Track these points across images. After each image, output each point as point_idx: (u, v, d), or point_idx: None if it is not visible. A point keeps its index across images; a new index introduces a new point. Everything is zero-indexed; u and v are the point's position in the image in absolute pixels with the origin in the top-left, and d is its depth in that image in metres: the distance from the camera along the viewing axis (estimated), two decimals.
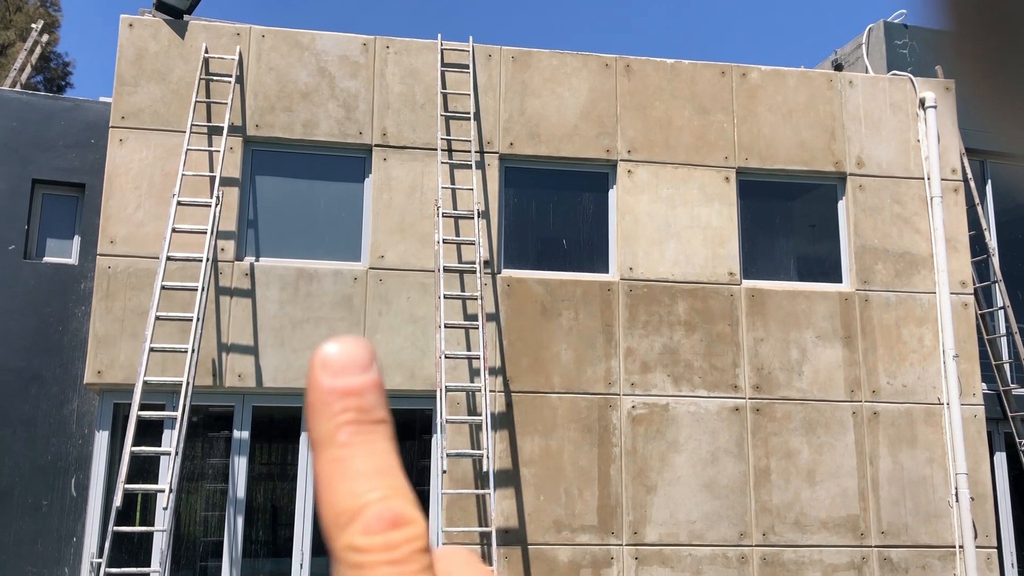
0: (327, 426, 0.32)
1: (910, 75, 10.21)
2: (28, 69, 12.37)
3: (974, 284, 9.85)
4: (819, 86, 9.96)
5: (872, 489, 9.11)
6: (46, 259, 9.24)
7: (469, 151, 9.22)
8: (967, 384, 9.44)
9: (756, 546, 8.83)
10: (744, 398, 9.12)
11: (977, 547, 9.09)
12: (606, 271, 9.33)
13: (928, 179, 9.84)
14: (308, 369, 0.33)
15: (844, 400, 9.26)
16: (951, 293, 9.58)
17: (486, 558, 8.35)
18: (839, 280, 9.69)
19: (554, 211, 9.51)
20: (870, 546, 8.98)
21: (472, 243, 8.90)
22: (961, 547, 9.06)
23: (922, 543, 9.06)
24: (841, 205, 9.87)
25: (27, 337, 8.92)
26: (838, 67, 11.30)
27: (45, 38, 13.21)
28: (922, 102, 10.03)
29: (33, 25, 13.31)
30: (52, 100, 9.69)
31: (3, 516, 8.60)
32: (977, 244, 10.28)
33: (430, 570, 0.31)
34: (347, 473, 0.31)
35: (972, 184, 10.33)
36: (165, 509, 7.43)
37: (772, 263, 9.70)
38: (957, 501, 9.13)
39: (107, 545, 7.17)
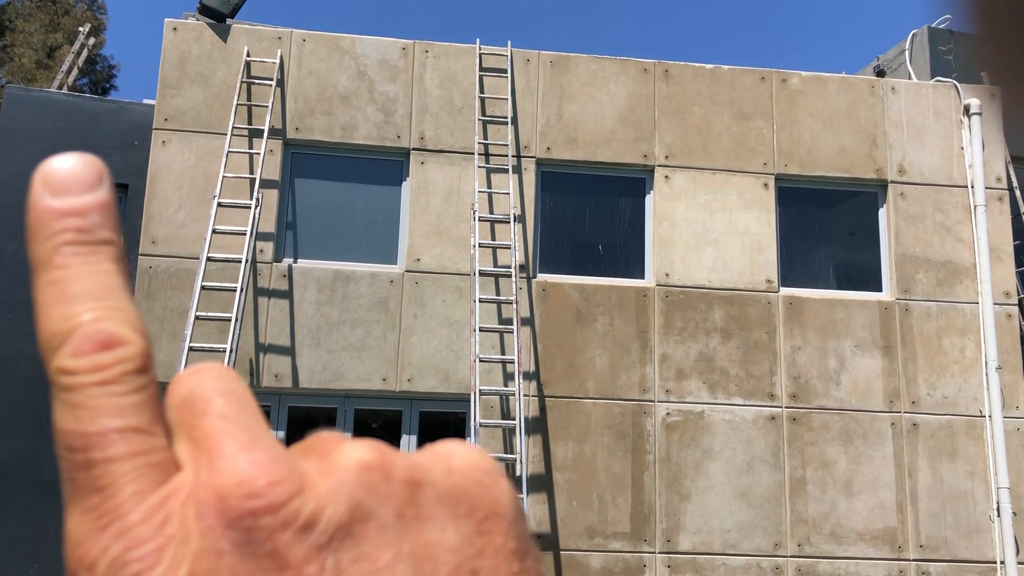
0: (44, 247, 0.31)
1: (954, 81, 10.05)
2: (75, 71, 12.61)
3: (1019, 294, 9.67)
4: (861, 92, 9.84)
5: (911, 502, 8.97)
6: None
7: (506, 155, 9.24)
8: (1010, 396, 9.27)
9: (791, 557, 8.73)
10: (780, 407, 9.03)
11: (1019, 563, 8.91)
12: (642, 277, 9.29)
13: (972, 187, 9.68)
14: (29, 190, 0.32)
15: (883, 411, 9.13)
16: (994, 303, 9.41)
17: None
18: (879, 289, 9.56)
19: (590, 216, 9.49)
20: (908, 560, 8.84)
21: (508, 247, 8.91)
22: (1002, 563, 8.89)
23: (962, 558, 8.89)
24: (882, 213, 9.74)
25: None
26: (880, 73, 11.15)
27: (92, 41, 13.46)
28: (966, 109, 9.88)
29: (80, 28, 13.56)
30: (97, 102, 9.87)
31: (45, 510, 8.76)
32: (1022, 254, 10.09)
33: (145, 390, 0.30)
34: (63, 296, 0.31)
35: (1018, 193, 10.14)
36: None
37: (811, 271, 9.60)
38: (999, 516, 8.95)
39: None
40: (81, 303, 0.31)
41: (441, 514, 0.32)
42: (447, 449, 0.34)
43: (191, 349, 7.87)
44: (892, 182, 9.68)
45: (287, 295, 8.79)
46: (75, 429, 0.29)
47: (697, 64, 9.73)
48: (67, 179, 0.32)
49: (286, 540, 0.28)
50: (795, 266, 9.55)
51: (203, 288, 8.11)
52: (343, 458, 0.31)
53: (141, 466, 0.29)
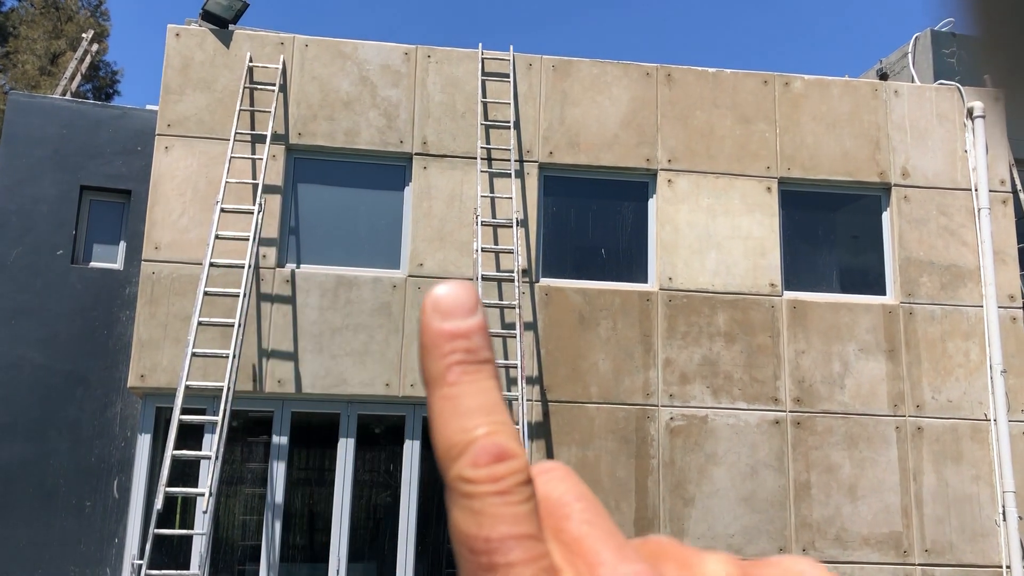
0: (438, 366, 0.35)
1: (958, 84, 10.04)
2: (78, 78, 12.63)
3: (1023, 298, 9.64)
4: (864, 95, 9.83)
5: (916, 506, 8.94)
6: (92, 264, 9.41)
7: (509, 160, 9.23)
8: (1015, 400, 9.24)
9: None
10: (785, 411, 9.01)
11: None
12: (645, 281, 9.28)
13: (976, 190, 9.66)
14: (420, 312, 0.36)
15: (887, 415, 9.10)
16: (999, 307, 9.38)
17: None
18: (883, 292, 9.54)
19: (593, 220, 9.48)
20: (913, 564, 8.81)
21: (511, 252, 8.91)
22: (1008, 567, 8.85)
23: (967, 562, 8.86)
24: (885, 216, 9.72)
25: (73, 341, 9.08)
26: (883, 76, 11.14)
27: (95, 47, 13.49)
28: (970, 112, 9.86)
29: (83, 35, 13.60)
30: (100, 108, 9.88)
31: (48, 516, 8.76)
32: None
33: (532, 499, 0.34)
34: (457, 410, 0.34)
35: (1022, 195, 10.12)
36: (205, 513, 7.51)
37: (814, 274, 9.58)
38: (1004, 520, 8.92)
39: (148, 547, 7.26)
40: (474, 418, 0.34)
41: None
42: (798, 567, 0.36)
43: (194, 355, 7.87)
44: (895, 185, 9.67)
45: (290, 300, 8.79)
46: (478, 534, 0.33)
47: (700, 68, 9.73)
48: (453, 305, 0.36)
49: None
50: (798, 270, 9.53)
51: (206, 293, 8.11)
52: (708, 572, 0.35)
53: (536, 570, 0.32)
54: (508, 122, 9.32)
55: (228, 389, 7.73)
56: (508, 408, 0.33)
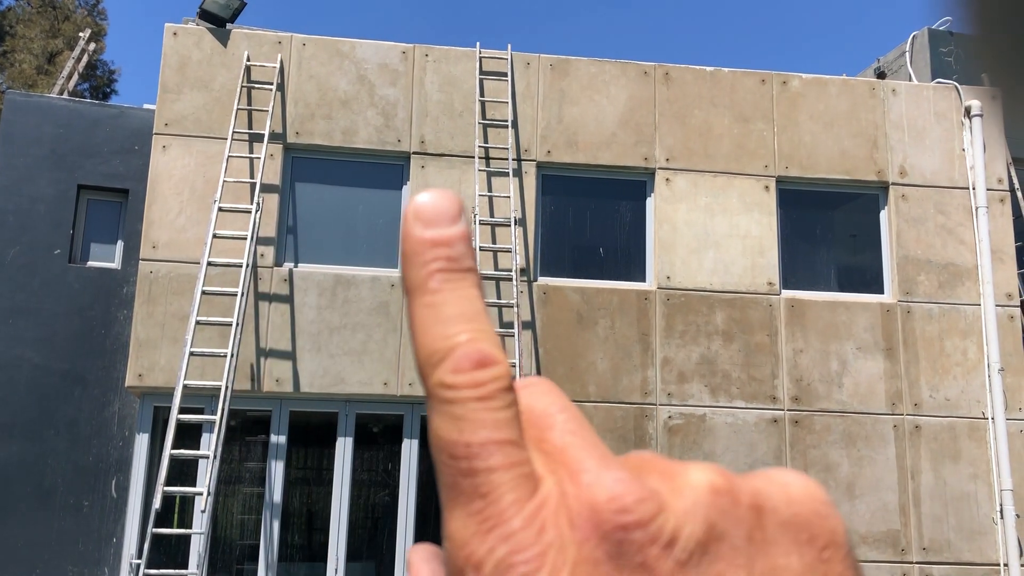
0: (420, 273, 0.35)
1: (955, 83, 10.05)
2: (75, 77, 12.61)
3: (1021, 296, 9.65)
4: (861, 94, 9.83)
5: (914, 504, 8.95)
6: (90, 263, 9.40)
7: (506, 159, 9.23)
8: (1013, 398, 9.25)
9: None
10: (783, 409, 9.01)
11: (1022, 565, 8.88)
12: (643, 280, 9.28)
13: (973, 189, 9.67)
14: (402, 221, 0.36)
15: (885, 413, 9.11)
16: (997, 305, 9.39)
17: None
18: (881, 291, 9.55)
19: (591, 219, 9.48)
20: (911, 562, 8.82)
21: (509, 251, 8.91)
22: (1006, 565, 8.86)
23: (965, 560, 8.87)
24: (883, 215, 9.73)
25: (71, 340, 9.07)
26: (881, 75, 11.15)
27: (92, 46, 13.47)
28: (967, 111, 9.87)
29: (81, 34, 13.58)
30: (98, 107, 9.87)
31: (46, 516, 8.75)
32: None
33: (514, 406, 0.34)
34: (438, 317, 0.34)
35: (1019, 194, 10.13)
36: (203, 512, 7.51)
37: (812, 273, 9.58)
38: (1002, 518, 8.93)
39: (146, 546, 7.26)
40: (455, 325, 0.34)
41: (784, 540, 0.33)
42: (784, 478, 0.35)
43: (192, 354, 7.86)
44: (893, 184, 9.67)
45: (288, 299, 8.78)
46: (459, 439, 0.32)
47: (697, 67, 9.73)
48: (435, 212, 0.36)
49: (654, 554, 0.31)
50: (796, 268, 9.53)
51: (204, 293, 8.11)
52: (692, 480, 0.33)
53: (517, 476, 0.32)
54: (506, 121, 9.32)
55: (226, 388, 7.73)
56: (489, 317, 0.35)
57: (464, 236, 0.36)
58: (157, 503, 7.17)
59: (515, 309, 8.52)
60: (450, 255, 0.35)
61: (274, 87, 9.10)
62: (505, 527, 0.31)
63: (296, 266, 8.92)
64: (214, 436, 7.50)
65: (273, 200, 8.98)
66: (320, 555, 8.56)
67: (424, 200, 0.36)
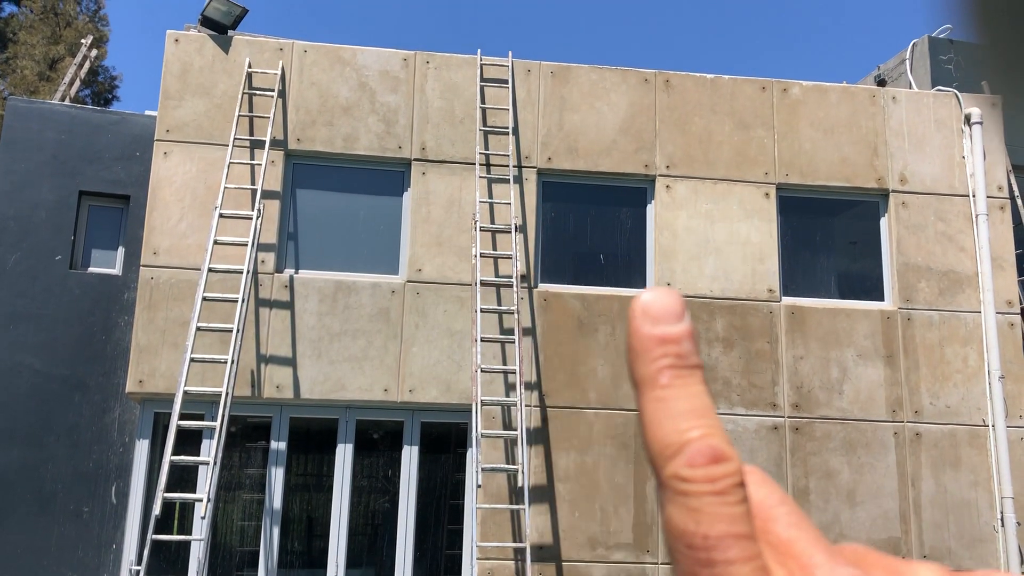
0: (649, 369, 0.37)
1: (955, 91, 10.06)
2: (77, 83, 12.64)
3: (1021, 303, 9.65)
4: (862, 102, 9.85)
5: (914, 512, 8.93)
6: (91, 269, 9.41)
7: (507, 165, 9.25)
8: (1013, 406, 9.24)
9: None
10: (783, 416, 9.01)
11: (1023, 573, 8.86)
12: (643, 286, 9.28)
13: (973, 196, 9.68)
14: (628, 318, 0.38)
15: (885, 420, 9.10)
16: (997, 312, 9.39)
17: (519, 575, 8.32)
18: (881, 298, 9.55)
19: (591, 226, 9.49)
20: None
21: (509, 257, 8.91)
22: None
23: (965, 568, 8.85)
24: (884, 222, 9.74)
25: (72, 346, 9.08)
26: (881, 83, 11.17)
27: (94, 53, 13.50)
28: (967, 118, 9.88)
29: (83, 40, 13.61)
30: (99, 113, 9.89)
31: (46, 521, 8.74)
32: None
33: (746, 502, 0.35)
34: (670, 412, 0.36)
35: (1019, 201, 10.14)
36: (203, 518, 7.50)
37: (812, 280, 9.59)
38: (1003, 526, 8.92)
39: (146, 553, 7.25)
40: (687, 420, 0.36)
41: None
42: None
43: (192, 360, 7.87)
44: (893, 191, 9.68)
45: (288, 306, 8.79)
46: (696, 531, 0.34)
47: (698, 74, 9.75)
48: (662, 310, 0.38)
49: None
50: (797, 275, 9.54)
51: (204, 299, 8.11)
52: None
53: (753, 569, 0.34)
54: (507, 128, 9.34)
55: (226, 394, 7.73)
56: (716, 414, 0.37)
57: (690, 334, 0.38)
58: (157, 509, 7.17)
59: (515, 316, 8.52)
60: (679, 352, 0.37)
61: (275, 94, 9.11)
62: None
63: (297, 272, 8.93)
64: (214, 442, 7.50)
65: (274, 206, 8.99)
66: (320, 562, 8.55)
67: (651, 298, 0.38)
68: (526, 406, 8.68)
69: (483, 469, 7.91)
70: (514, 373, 8.56)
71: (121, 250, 9.50)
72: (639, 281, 9.31)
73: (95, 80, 23.36)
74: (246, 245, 8.43)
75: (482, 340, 8.44)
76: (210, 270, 8.25)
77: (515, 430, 8.41)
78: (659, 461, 0.36)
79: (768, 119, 9.68)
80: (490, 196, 9.22)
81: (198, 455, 8.19)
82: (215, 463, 7.46)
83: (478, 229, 8.83)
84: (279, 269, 8.91)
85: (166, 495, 7.24)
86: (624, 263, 9.38)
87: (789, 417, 9.00)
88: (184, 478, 8.40)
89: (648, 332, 0.37)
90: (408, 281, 8.95)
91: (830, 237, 9.86)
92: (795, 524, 0.37)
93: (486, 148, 9.31)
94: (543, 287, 9.11)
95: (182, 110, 9.05)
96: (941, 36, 10.96)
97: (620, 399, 8.86)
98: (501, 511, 8.51)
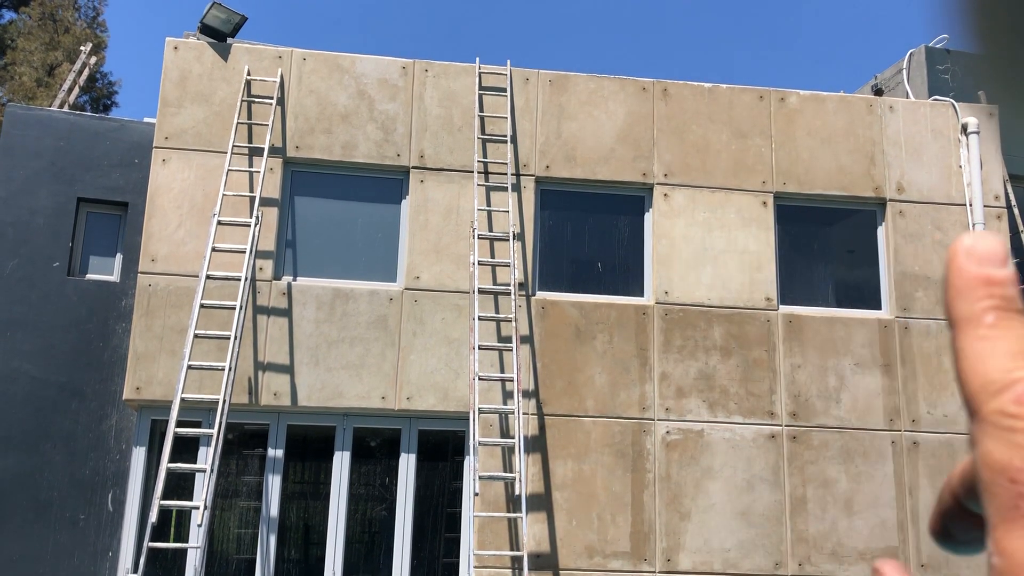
0: (973, 308, 0.37)
1: (952, 100, 10.10)
2: (75, 90, 12.65)
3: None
4: (859, 111, 9.88)
5: (912, 520, 8.93)
6: (89, 276, 9.41)
7: (505, 173, 9.26)
8: None
9: None
10: (780, 425, 9.01)
11: None
12: (641, 295, 9.29)
13: (970, 206, 9.70)
14: (949, 256, 0.39)
15: (883, 429, 9.11)
16: None
17: None
18: (878, 307, 9.57)
19: (589, 234, 9.50)
20: None
21: (507, 265, 8.92)
22: None
23: None
24: (881, 231, 9.76)
25: (69, 353, 9.07)
26: (878, 92, 11.20)
27: (92, 59, 13.51)
28: (964, 128, 9.91)
29: (82, 47, 13.62)
30: (98, 120, 9.89)
31: (42, 529, 8.72)
32: (1021, 272, 10.09)
33: None
34: (995, 351, 0.36)
35: (1016, 211, 10.17)
36: (199, 526, 7.48)
37: (810, 289, 9.60)
38: None
39: (142, 560, 7.23)
40: (1015, 360, 0.36)
41: None
42: None
43: (190, 367, 7.86)
44: (891, 200, 9.71)
45: (286, 313, 8.79)
46: (1021, 465, 0.35)
47: (695, 83, 9.78)
48: (988, 252, 0.39)
49: None
50: (794, 284, 9.55)
51: (202, 306, 8.11)
52: None
53: None
54: (505, 136, 9.36)
55: (224, 402, 7.72)
56: None
57: (1014, 279, 0.38)
58: (153, 517, 7.15)
59: (513, 324, 8.52)
60: (1004, 294, 0.38)
61: (274, 101, 9.13)
62: None
63: (295, 280, 8.93)
64: (211, 450, 7.49)
65: (272, 214, 8.99)
66: (317, 570, 8.53)
67: (976, 240, 0.39)
68: (523, 414, 8.68)
69: (480, 477, 7.91)
70: (512, 381, 8.56)
71: (119, 257, 9.50)
72: (637, 289, 9.32)
73: (93, 87, 23.37)
74: (244, 252, 8.43)
75: (480, 348, 8.44)
76: (208, 277, 8.25)
77: (512, 438, 8.41)
78: (981, 396, 0.36)
79: (765, 128, 9.71)
80: (488, 204, 9.23)
81: (195, 462, 8.18)
82: (212, 470, 7.45)
83: (476, 237, 8.83)
84: (277, 276, 8.91)
85: (163, 502, 7.22)
86: (622, 271, 9.39)
87: (787, 426, 9.01)
88: (181, 485, 8.38)
89: (974, 272, 0.38)
90: (406, 289, 8.95)
91: (827, 246, 9.88)
92: None
93: (484, 156, 9.32)
94: (541, 295, 9.12)
95: (181, 117, 9.06)
96: (938, 46, 11.00)
97: (618, 407, 8.86)
98: (498, 519, 8.50)
